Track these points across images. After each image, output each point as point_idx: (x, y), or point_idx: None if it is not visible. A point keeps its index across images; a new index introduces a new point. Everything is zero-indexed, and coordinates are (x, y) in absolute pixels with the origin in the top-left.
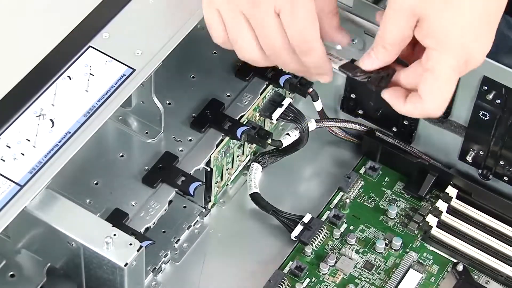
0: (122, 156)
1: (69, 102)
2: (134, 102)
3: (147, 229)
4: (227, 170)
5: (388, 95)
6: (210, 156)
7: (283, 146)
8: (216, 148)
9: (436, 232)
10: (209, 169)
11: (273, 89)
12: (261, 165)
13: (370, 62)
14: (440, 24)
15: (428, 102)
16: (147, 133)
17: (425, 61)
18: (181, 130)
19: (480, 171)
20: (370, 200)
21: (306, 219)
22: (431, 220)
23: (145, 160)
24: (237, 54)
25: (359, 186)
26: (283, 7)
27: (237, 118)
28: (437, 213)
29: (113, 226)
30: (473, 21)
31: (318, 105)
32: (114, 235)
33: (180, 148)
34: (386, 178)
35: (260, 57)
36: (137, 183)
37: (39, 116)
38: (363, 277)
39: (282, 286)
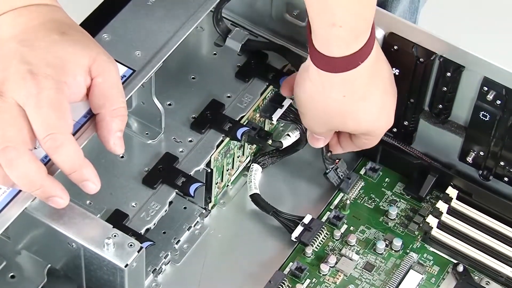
0: (122, 157)
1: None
2: (135, 103)
3: (147, 230)
4: (227, 171)
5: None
6: (210, 157)
7: (283, 147)
8: (216, 149)
9: (436, 233)
10: (209, 170)
11: (273, 90)
12: (260, 166)
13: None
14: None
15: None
16: (147, 134)
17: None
18: (181, 131)
19: (480, 172)
20: (370, 201)
21: (307, 220)
22: (432, 221)
23: (145, 161)
24: None
25: (359, 187)
26: (27, 97)
27: (237, 119)
28: (437, 214)
29: (113, 227)
30: (376, 112)
31: None
32: (114, 236)
33: (180, 149)
34: (387, 179)
35: None
36: (137, 184)
37: None
38: (364, 278)
39: (283, 287)
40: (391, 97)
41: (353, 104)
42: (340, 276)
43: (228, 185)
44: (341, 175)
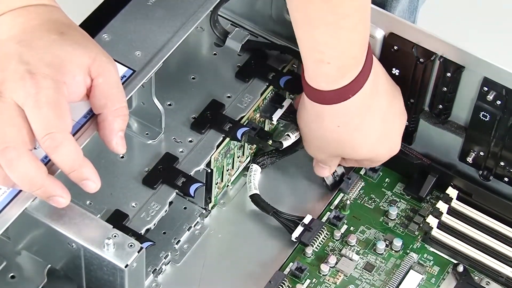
0: (122, 157)
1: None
2: (135, 103)
3: (147, 230)
4: (227, 171)
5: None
6: (211, 157)
7: (283, 147)
8: (217, 149)
9: (436, 233)
10: (209, 170)
11: (273, 90)
12: (260, 166)
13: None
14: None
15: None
16: (147, 134)
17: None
18: (182, 131)
19: (480, 172)
20: (370, 201)
21: (307, 220)
22: (432, 221)
23: (146, 161)
24: None
25: (360, 187)
26: (26, 97)
27: (237, 119)
28: (437, 214)
29: (113, 227)
30: (374, 141)
31: None
32: (115, 236)
33: (181, 149)
34: (387, 179)
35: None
36: (138, 184)
37: None
38: (364, 278)
39: (283, 287)
40: (391, 125)
41: (348, 133)
42: (340, 276)
43: (228, 185)
44: (337, 177)
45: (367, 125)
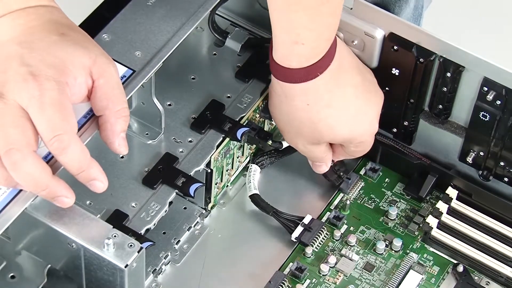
0: (122, 157)
1: None
2: (135, 103)
3: (147, 230)
4: (227, 171)
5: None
6: (210, 157)
7: (283, 147)
8: (216, 149)
9: (436, 233)
10: (209, 170)
11: None
12: (259, 166)
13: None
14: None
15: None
16: (147, 134)
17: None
18: (181, 131)
19: (480, 172)
20: (370, 201)
21: (307, 220)
22: (432, 221)
23: (145, 161)
24: None
25: (360, 187)
26: (30, 99)
27: (237, 119)
28: (437, 214)
29: (113, 227)
30: (351, 118)
31: None
32: (114, 236)
33: (180, 149)
34: (387, 179)
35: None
36: (138, 184)
37: None
38: (364, 278)
39: (283, 287)
40: (366, 102)
41: (319, 112)
42: (340, 276)
43: (228, 185)
44: (341, 174)
45: (338, 101)
